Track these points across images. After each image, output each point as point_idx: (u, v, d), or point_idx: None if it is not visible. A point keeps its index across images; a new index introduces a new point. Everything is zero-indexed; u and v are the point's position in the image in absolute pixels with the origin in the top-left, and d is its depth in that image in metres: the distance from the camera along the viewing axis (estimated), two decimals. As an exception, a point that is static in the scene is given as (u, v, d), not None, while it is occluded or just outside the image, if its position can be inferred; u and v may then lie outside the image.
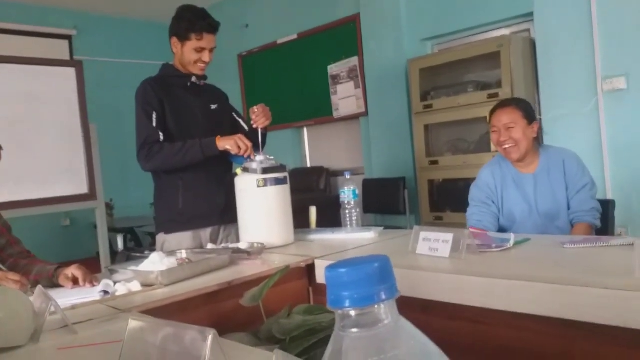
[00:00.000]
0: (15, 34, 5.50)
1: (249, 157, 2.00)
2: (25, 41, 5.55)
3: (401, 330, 0.37)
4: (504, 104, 2.11)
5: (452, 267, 1.37)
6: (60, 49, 5.90)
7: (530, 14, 3.46)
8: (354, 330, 0.36)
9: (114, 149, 5.43)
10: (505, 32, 3.75)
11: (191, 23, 2.07)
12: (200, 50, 2.10)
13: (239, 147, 1.98)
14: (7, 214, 1.93)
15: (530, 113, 2.07)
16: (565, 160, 2.04)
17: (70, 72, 3.54)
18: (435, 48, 4.24)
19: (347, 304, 0.36)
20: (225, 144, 2.00)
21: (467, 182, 2.25)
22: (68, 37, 5.98)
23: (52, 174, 3.40)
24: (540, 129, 2.16)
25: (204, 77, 2.23)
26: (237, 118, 2.38)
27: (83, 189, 3.54)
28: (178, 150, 2.03)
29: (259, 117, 2.10)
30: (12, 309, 1.00)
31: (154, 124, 2.05)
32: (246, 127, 2.34)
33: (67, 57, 5.88)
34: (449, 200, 3.81)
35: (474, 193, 2.16)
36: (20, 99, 3.29)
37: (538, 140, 2.11)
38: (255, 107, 2.11)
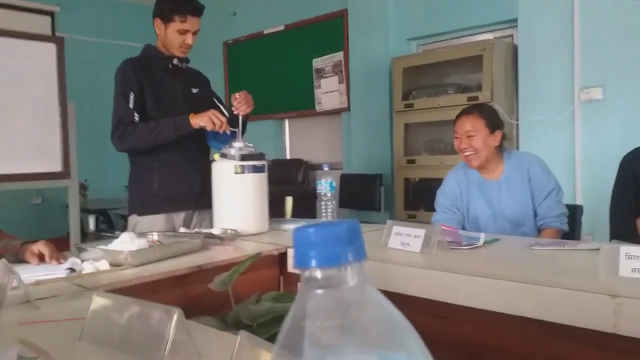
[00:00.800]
0: (-5, 6, 5.35)
1: (226, 139, 1.99)
2: (6, 14, 5.40)
3: (368, 295, 0.36)
4: (467, 111, 2.10)
5: (422, 262, 1.39)
6: (42, 24, 5.75)
7: (514, 20, 3.52)
8: (319, 291, 0.36)
9: (92, 130, 5.32)
10: (489, 36, 3.80)
11: (175, 4, 2.04)
12: (183, 32, 2.07)
13: (213, 123, 1.96)
14: (-25, 187, 1.89)
15: (493, 122, 2.06)
16: (530, 166, 2.05)
17: (51, 47, 3.45)
18: (420, 48, 4.27)
19: (313, 263, 0.35)
20: (199, 120, 1.98)
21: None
22: (51, 14, 5.83)
23: (25, 151, 3.32)
24: (506, 136, 2.14)
25: (186, 60, 2.20)
26: (218, 103, 2.34)
27: (57, 167, 3.46)
28: (152, 130, 2.00)
29: (241, 103, 2.07)
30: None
31: (131, 105, 2.02)
32: (227, 113, 2.31)
33: (49, 33, 5.74)
34: (423, 199, 3.85)
35: (440, 199, 2.18)
36: (-3, 72, 3.20)
37: (501, 147, 2.10)
38: (237, 94, 2.09)
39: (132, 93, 2.02)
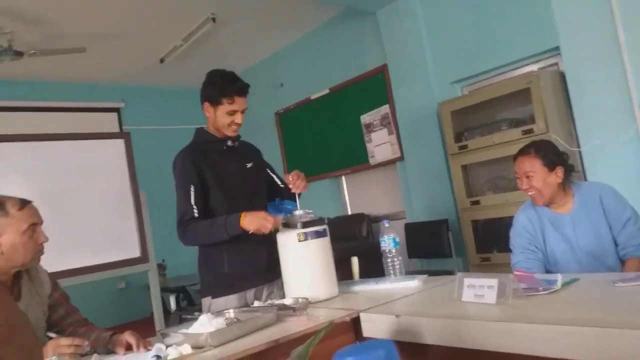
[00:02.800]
0: (69, 111, 5.91)
1: (286, 209, 2.04)
2: (78, 116, 5.95)
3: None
4: (523, 151, 2.06)
5: (499, 314, 1.35)
6: (110, 120, 6.28)
7: (557, 48, 3.47)
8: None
9: (163, 212, 5.61)
10: (533, 67, 3.76)
11: (222, 88, 2.11)
12: (232, 113, 2.13)
13: (265, 227, 1.97)
14: (66, 281, 2.04)
15: (551, 159, 2.00)
16: (602, 195, 1.98)
17: (120, 143, 3.75)
18: (465, 89, 4.27)
19: None
20: (250, 227, 1.98)
21: (511, 221, 2.21)
22: (117, 110, 6.36)
23: (106, 241, 3.55)
24: (573, 167, 2.08)
25: (237, 137, 2.26)
26: (271, 174, 2.40)
27: (135, 252, 3.68)
28: (207, 232, 2.05)
29: (296, 184, 2.09)
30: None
31: (192, 201, 2.08)
32: (280, 184, 2.37)
33: (116, 128, 6.25)
34: (494, 240, 3.73)
35: (515, 240, 2.10)
36: (75, 172, 3.49)
37: (567, 181, 2.03)
38: (290, 176, 2.11)
39: (192, 186, 2.09)
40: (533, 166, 1.99)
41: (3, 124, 5.32)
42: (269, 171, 2.41)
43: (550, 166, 1.99)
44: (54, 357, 1.42)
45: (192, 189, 2.09)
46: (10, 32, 4.25)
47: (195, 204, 2.08)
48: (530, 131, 3.40)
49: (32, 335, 0.49)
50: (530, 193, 2.01)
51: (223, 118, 2.14)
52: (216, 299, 2.14)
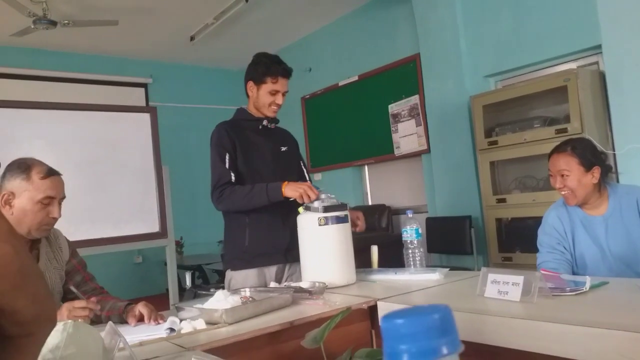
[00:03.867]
0: (97, 84, 5.97)
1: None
2: (106, 89, 6.00)
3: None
4: (559, 149, 1.97)
5: (523, 312, 1.30)
6: (137, 95, 6.32)
7: (598, 47, 3.34)
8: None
9: (184, 190, 5.67)
10: (572, 65, 3.63)
11: (267, 67, 2.18)
12: (274, 92, 2.20)
13: (303, 198, 1.98)
14: (84, 251, 2.05)
15: (587, 159, 1.90)
16: (639, 199, 1.90)
17: (145, 117, 3.76)
18: (499, 84, 4.16)
19: (404, 359, 0.33)
20: (291, 194, 2.00)
21: (537, 221, 2.13)
22: (144, 85, 6.40)
23: (126, 214, 3.58)
24: (611, 168, 1.98)
25: (276, 121, 2.32)
26: (303, 168, 2.46)
27: (155, 227, 3.70)
28: (246, 194, 2.08)
29: (359, 224, 2.18)
30: (84, 345, 1.05)
31: (227, 165, 2.14)
32: (308, 180, 2.40)
33: (143, 103, 6.29)
34: (518, 240, 3.65)
35: (543, 239, 2.02)
36: (100, 143, 3.52)
37: (603, 182, 1.94)
38: (359, 224, 2.18)
39: (227, 154, 2.15)
40: (569, 165, 1.90)
41: (33, 91, 5.39)
42: (301, 164, 2.46)
43: (587, 166, 1.89)
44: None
45: (227, 156, 2.15)
46: (45, 1, 4.28)
47: (231, 169, 2.14)
48: (564, 130, 3.30)
49: (44, 288, 0.46)
50: (563, 192, 1.93)
51: (265, 97, 2.21)
52: (236, 272, 2.19)
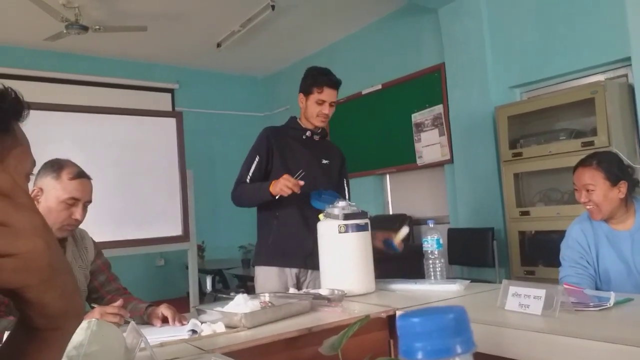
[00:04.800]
0: (125, 88, 6.10)
1: (329, 199, 2.05)
2: (134, 94, 6.12)
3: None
4: (584, 162, 1.93)
5: (544, 326, 1.29)
6: (164, 100, 6.43)
7: (628, 59, 3.28)
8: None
9: (207, 194, 5.72)
10: (599, 77, 3.57)
11: (314, 78, 2.30)
12: (320, 102, 2.29)
13: (284, 190, 2.05)
14: (108, 252, 2.09)
15: (614, 173, 1.86)
16: None
17: (171, 122, 3.83)
18: (524, 95, 4.11)
19: (419, 355, 0.34)
20: (273, 190, 2.09)
21: (561, 235, 2.10)
22: (171, 91, 6.51)
23: (150, 216, 3.64)
24: (634, 184, 1.93)
25: (322, 134, 2.41)
26: (345, 184, 2.52)
27: (177, 230, 3.75)
28: (247, 190, 2.23)
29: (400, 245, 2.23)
30: (106, 343, 1.07)
31: (250, 169, 2.26)
32: (347, 197, 2.45)
33: (169, 108, 6.39)
34: (541, 254, 3.58)
35: (566, 252, 1.99)
36: (126, 146, 3.60)
37: (630, 197, 1.90)
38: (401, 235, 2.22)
39: (257, 157, 2.28)
40: (594, 179, 1.87)
41: (63, 95, 5.52)
42: (344, 180, 2.53)
43: (613, 180, 1.86)
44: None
45: (256, 159, 2.28)
46: (78, 6, 4.40)
47: (252, 172, 2.26)
48: (590, 143, 3.24)
49: (73, 284, 0.48)
50: (588, 207, 1.90)
51: (312, 107, 2.31)
52: (257, 267, 2.30)
